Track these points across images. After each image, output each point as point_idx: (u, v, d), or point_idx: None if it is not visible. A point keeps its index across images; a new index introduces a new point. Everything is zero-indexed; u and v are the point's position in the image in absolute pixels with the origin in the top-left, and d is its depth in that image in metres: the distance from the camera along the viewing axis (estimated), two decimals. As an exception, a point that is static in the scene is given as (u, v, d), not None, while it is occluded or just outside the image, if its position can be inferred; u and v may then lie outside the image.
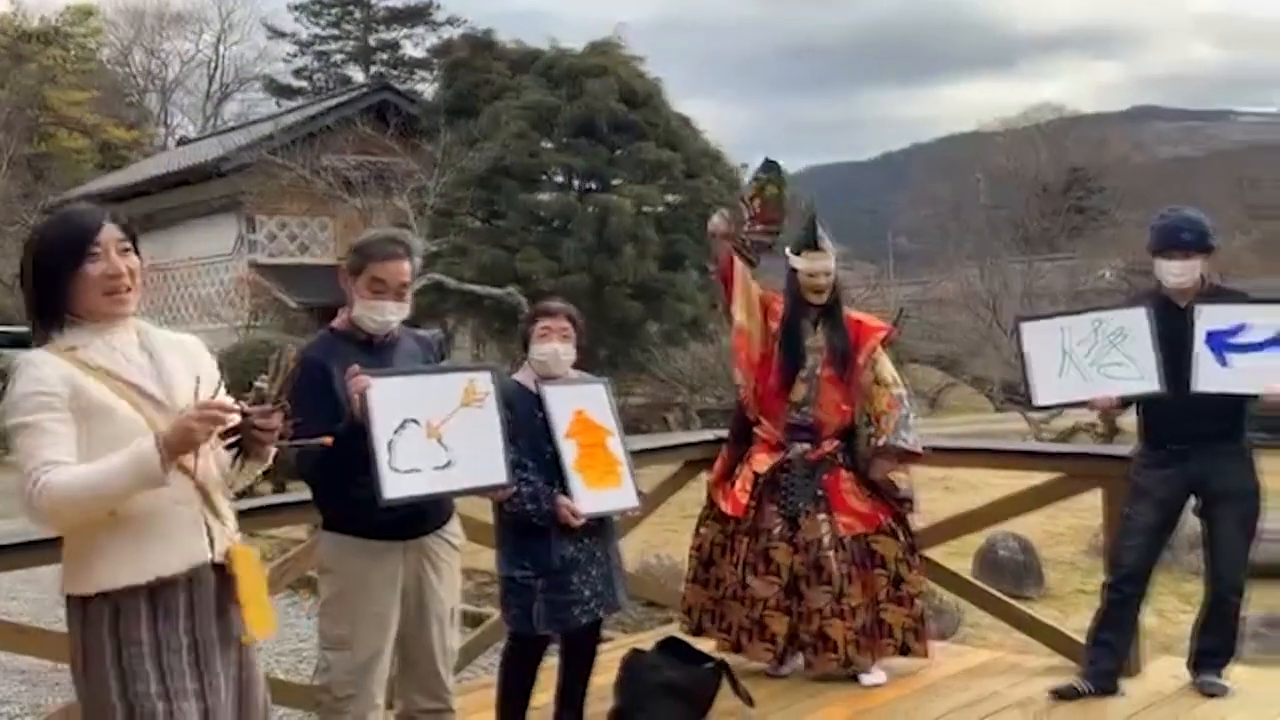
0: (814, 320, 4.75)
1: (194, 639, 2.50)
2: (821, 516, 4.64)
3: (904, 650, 4.71)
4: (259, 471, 2.69)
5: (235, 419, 2.44)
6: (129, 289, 2.52)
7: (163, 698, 2.43)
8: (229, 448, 2.52)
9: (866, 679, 4.67)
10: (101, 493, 2.35)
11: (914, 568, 4.72)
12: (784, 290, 4.82)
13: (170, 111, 43.33)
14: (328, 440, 2.71)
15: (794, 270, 4.74)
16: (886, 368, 4.70)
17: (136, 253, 2.57)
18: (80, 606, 2.47)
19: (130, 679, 2.42)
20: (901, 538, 4.70)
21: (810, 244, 4.70)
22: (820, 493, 4.66)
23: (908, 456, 4.65)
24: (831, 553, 4.60)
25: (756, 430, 4.78)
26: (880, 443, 4.59)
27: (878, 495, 4.69)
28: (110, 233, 2.51)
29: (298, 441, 2.63)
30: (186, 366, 2.61)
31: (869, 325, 4.81)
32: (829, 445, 4.69)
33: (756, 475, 4.71)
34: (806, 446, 4.68)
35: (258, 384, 2.51)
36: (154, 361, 2.56)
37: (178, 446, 2.36)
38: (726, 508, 4.75)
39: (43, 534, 3.77)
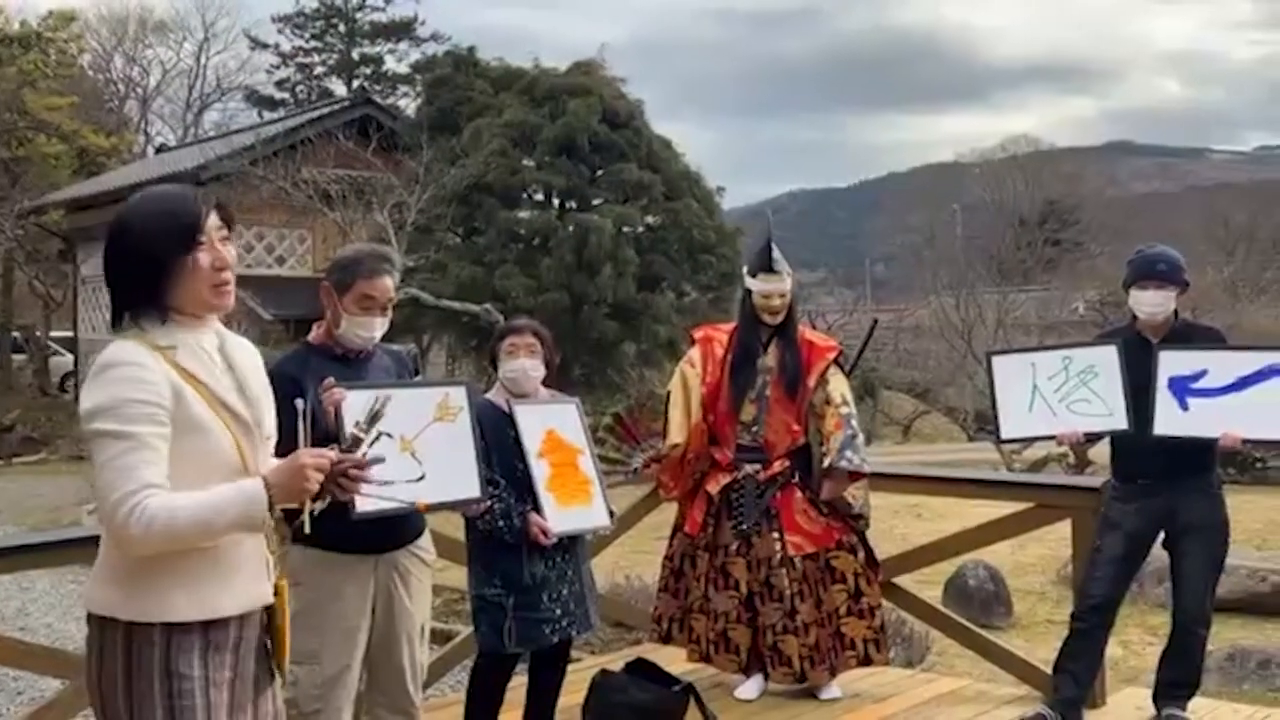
0: (766, 341, 4.81)
1: (235, 674, 2.36)
2: (774, 535, 4.70)
3: (865, 661, 4.78)
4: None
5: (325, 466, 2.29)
6: (230, 280, 2.34)
7: None
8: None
9: (824, 695, 4.76)
10: (203, 530, 2.19)
11: (873, 581, 4.78)
12: (739, 312, 4.92)
13: (150, 119, 43.08)
14: (422, 504, 2.75)
15: (749, 291, 4.82)
16: (838, 388, 4.74)
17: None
18: (125, 631, 2.27)
19: (179, 713, 2.25)
20: (860, 553, 4.77)
21: (765, 266, 4.78)
22: (772, 511, 4.72)
23: (855, 476, 4.69)
24: (783, 571, 4.66)
25: (712, 451, 4.82)
26: (826, 464, 4.63)
27: (833, 513, 4.73)
28: (215, 220, 2.32)
29: (384, 501, 2.57)
30: (261, 384, 2.45)
31: (820, 346, 4.87)
32: (779, 465, 4.74)
33: (710, 495, 4.77)
34: (757, 467, 4.73)
35: (353, 430, 2.38)
36: (235, 375, 2.38)
37: (288, 496, 2.23)
38: (686, 526, 4.85)
39: (41, 538, 3.74)
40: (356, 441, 2.39)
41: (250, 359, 2.48)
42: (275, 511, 2.25)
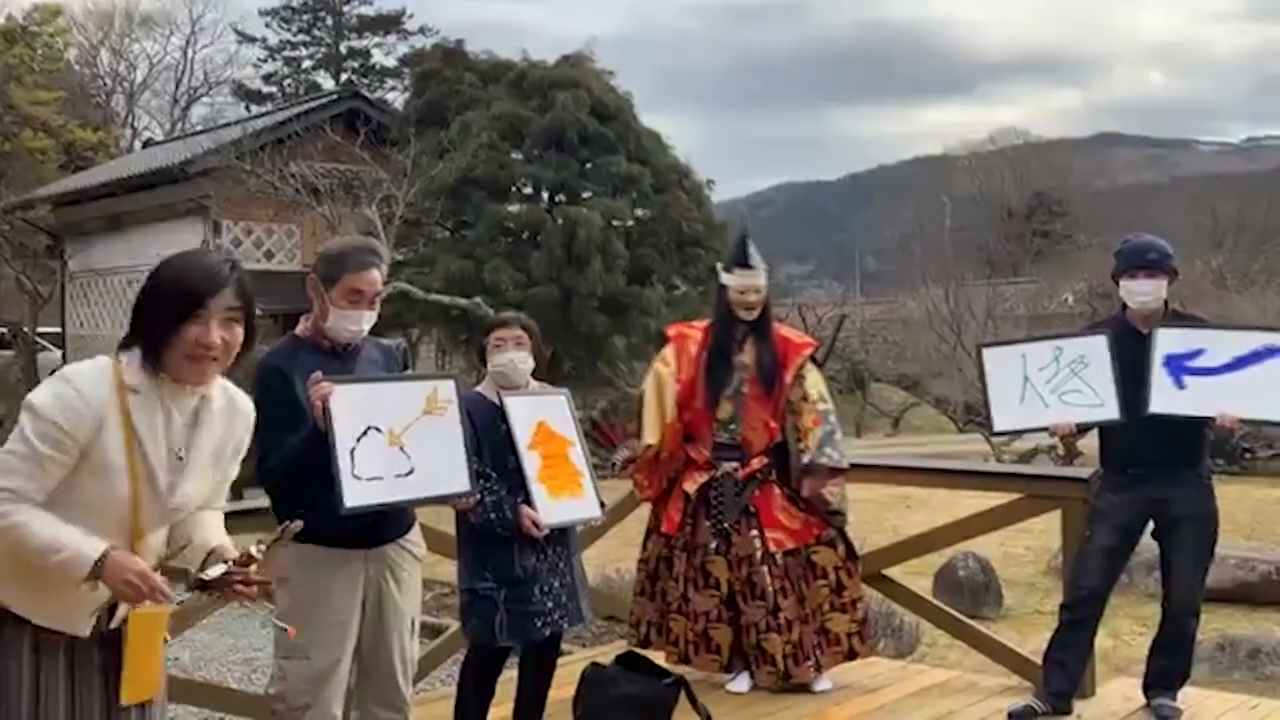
0: (742, 338, 4.79)
1: (72, 686, 2.43)
2: (753, 532, 4.68)
3: (851, 655, 4.79)
4: None
5: (170, 607, 2.40)
6: (215, 359, 2.41)
7: None
8: (200, 587, 2.44)
9: (815, 687, 4.75)
10: (39, 556, 2.30)
11: (854, 574, 4.79)
12: (714, 307, 4.89)
13: (137, 114, 42.86)
14: (295, 525, 2.65)
15: (724, 287, 4.80)
16: (814, 384, 4.73)
17: (249, 320, 2.44)
18: None
19: (3, 710, 2.37)
20: (840, 547, 4.76)
21: (741, 262, 4.76)
22: (751, 509, 4.70)
23: (835, 472, 4.68)
24: (764, 568, 4.65)
25: (689, 450, 4.81)
26: (805, 460, 4.63)
27: (812, 509, 4.73)
28: (223, 300, 2.39)
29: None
30: (216, 453, 2.51)
31: (796, 342, 4.86)
32: (757, 462, 4.73)
33: (687, 494, 4.75)
34: (735, 465, 4.71)
35: (252, 549, 2.43)
36: (189, 441, 2.46)
37: (109, 581, 2.30)
38: (663, 526, 4.83)
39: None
40: (249, 559, 2.42)
41: (219, 430, 2.52)
42: (96, 585, 2.31)
